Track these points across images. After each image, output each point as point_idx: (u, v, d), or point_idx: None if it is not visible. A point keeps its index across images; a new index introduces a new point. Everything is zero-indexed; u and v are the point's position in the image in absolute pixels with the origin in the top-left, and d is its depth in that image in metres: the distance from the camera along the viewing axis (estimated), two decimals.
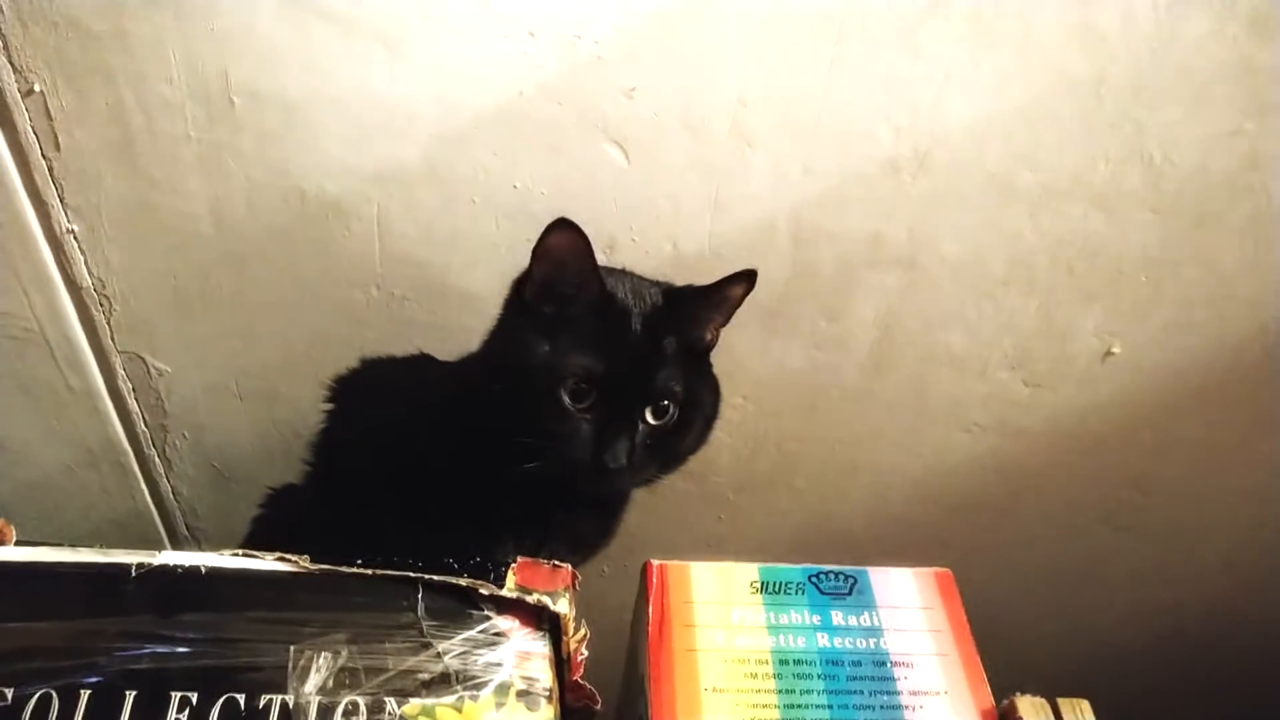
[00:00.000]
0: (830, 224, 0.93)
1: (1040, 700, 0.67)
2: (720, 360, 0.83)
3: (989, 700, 0.68)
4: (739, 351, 1.02)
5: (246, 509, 0.95)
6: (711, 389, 0.81)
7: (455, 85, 0.85)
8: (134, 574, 0.61)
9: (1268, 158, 0.88)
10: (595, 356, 0.72)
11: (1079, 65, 0.84)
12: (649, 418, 0.74)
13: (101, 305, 0.98)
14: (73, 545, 0.63)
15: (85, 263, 0.95)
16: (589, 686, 0.68)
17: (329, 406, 0.87)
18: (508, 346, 0.77)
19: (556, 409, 0.71)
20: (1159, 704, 1.26)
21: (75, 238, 0.93)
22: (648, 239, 0.94)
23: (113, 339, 1.01)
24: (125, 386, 1.06)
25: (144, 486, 1.16)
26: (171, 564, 0.62)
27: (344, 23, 0.82)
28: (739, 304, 0.78)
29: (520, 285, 0.77)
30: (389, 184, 0.90)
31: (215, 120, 0.86)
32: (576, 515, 0.81)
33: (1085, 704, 0.68)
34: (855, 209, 0.92)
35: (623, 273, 0.80)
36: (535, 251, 0.73)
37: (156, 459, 1.14)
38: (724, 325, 0.80)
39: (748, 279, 0.76)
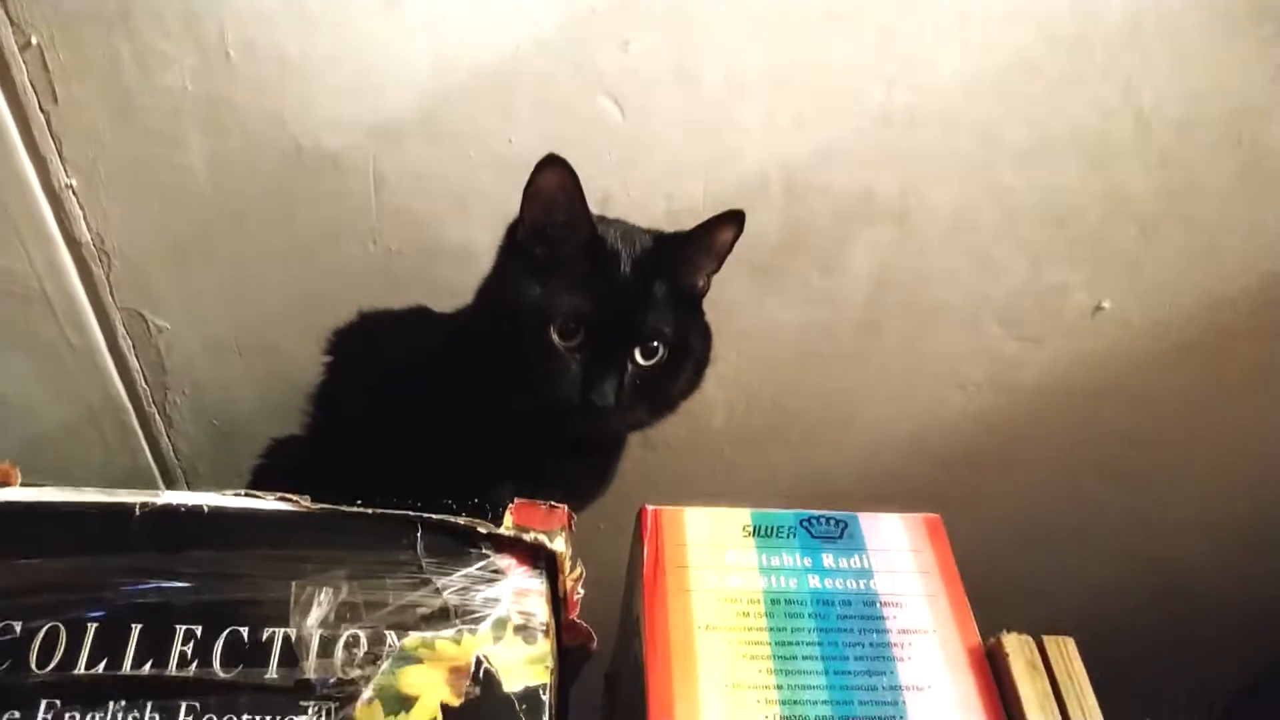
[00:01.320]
0: (822, 178, 0.94)
1: (1026, 638, 0.69)
2: (715, 315, 0.84)
3: (976, 638, 0.70)
4: (733, 307, 1.03)
5: (247, 465, 0.96)
6: (702, 335, 0.81)
7: (451, 40, 0.85)
8: (138, 513, 0.62)
9: (1254, 113, 0.89)
10: (584, 296, 0.73)
11: (1068, 19, 0.84)
12: (638, 358, 0.75)
13: (101, 261, 0.99)
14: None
15: (84, 218, 0.95)
16: (585, 625, 0.70)
17: (328, 359, 0.88)
18: (500, 289, 0.78)
19: (546, 347, 0.72)
20: (1142, 647, 1.28)
21: (74, 193, 0.93)
22: (643, 193, 0.95)
23: (112, 295, 1.02)
24: (125, 344, 1.07)
25: (145, 444, 1.17)
26: (174, 503, 0.63)
27: None
28: (728, 248, 0.79)
29: (513, 229, 0.78)
30: (385, 138, 0.91)
31: (212, 74, 0.86)
32: (573, 463, 0.82)
33: (1070, 641, 0.69)
34: (847, 163, 0.93)
35: (614, 221, 0.81)
36: (526, 191, 0.74)
37: (157, 416, 1.15)
38: (715, 272, 0.81)
39: (735, 220, 0.76)
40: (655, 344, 0.75)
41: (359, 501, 0.66)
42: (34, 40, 0.84)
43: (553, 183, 0.72)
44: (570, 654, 0.71)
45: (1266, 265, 1.01)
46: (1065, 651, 0.69)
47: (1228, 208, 0.96)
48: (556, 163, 0.71)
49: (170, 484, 1.22)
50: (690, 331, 0.79)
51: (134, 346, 1.07)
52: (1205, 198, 0.96)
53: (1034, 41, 0.86)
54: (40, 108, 0.88)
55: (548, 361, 0.72)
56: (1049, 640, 0.69)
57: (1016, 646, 0.68)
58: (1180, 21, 0.85)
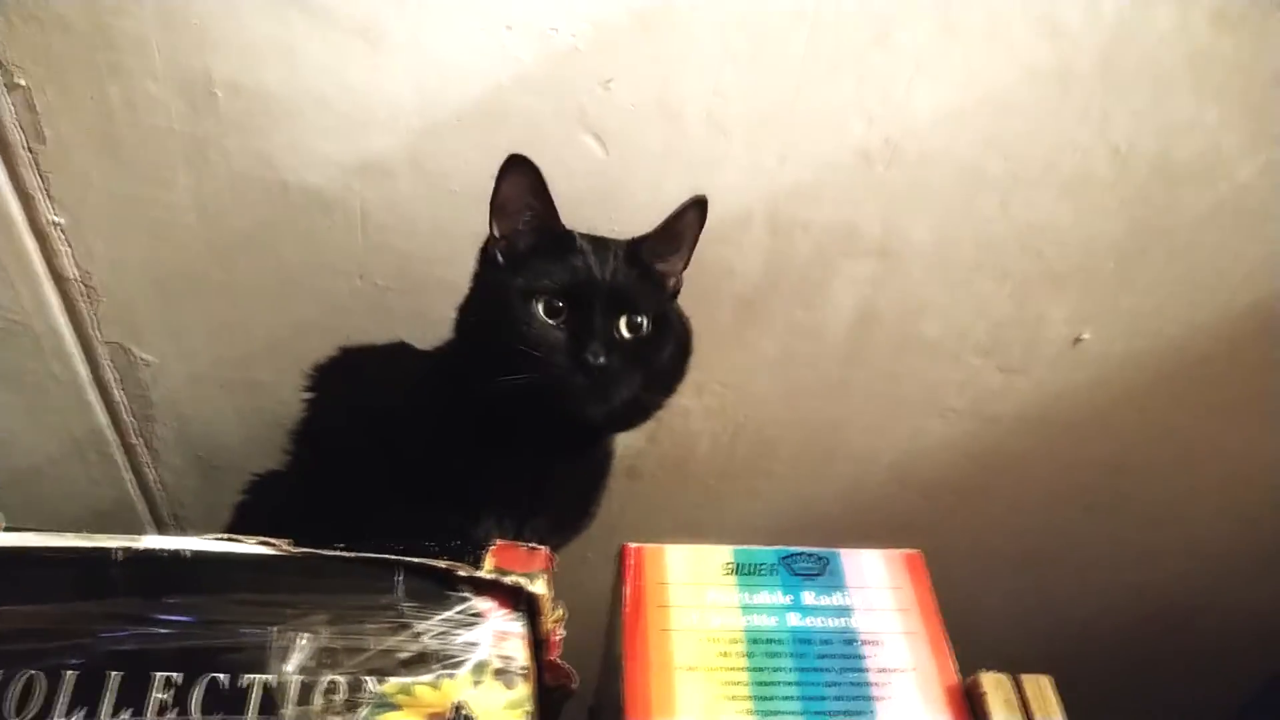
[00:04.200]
0: (805, 214, 0.95)
1: (1003, 676, 0.69)
2: (700, 347, 0.84)
3: (954, 676, 0.70)
4: (718, 339, 1.04)
5: (231, 497, 0.96)
6: (681, 320, 0.83)
7: (434, 78, 0.86)
8: (118, 558, 0.62)
9: (1230, 147, 0.90)
10: (566, 274, 0.75)
11: (1045, 57, 0.85)
12: (623, 329, 0.76)
13: (87, 296, 0.99)
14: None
15: (70, 254, 0.96)
16: (566, 666, 0.70)
17: (309, 395, 0.88)
18: (482, 295, 0.80)
19: (534, 327, 0.73)
20: (1122, 682, 1.28)
21: (60, 230, 0.93)
22: (627, 228, 0.94)
23: (98, 330, 1.02)
24: (111, 377, 1.07)
25: (130, 476, 1.17)
26: (155, 548, 0.63)
27: (324, 17, 0.83)
28: (696, 234, 0.81)
29: (485, 248, 0.80)
30: (371, 175, 0.92)
31: (198, 114, 0.87)
32: (558, 494, 0.83)
33: (1047, 680, 0.70)
34: (829, 199, 0.94)
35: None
36: (493, 203, 0.77)
37: (142, 448, 1.15)
38: (684, 266, 0.82)
39: (698, 205, 0.79)
40: (639, 317, 0.76)
41: (340, 544, 0.66)
42: (22, 81, 0.84)
43: (521, 183, 0.75)
44: (552, 694, 0.71)
45: (1243, 296, 1.02)
46: (1042, 690, 0.69)
47: (1204, 240, 0.97)
48: (520, 162, 0.74)
49: (155, 516, 1.22)
50: (669, 312, 0.80)
51: (119, 380, 1.07)
52: (1181, 231, 0.97)
53: (1012, 79, 0.87)
54: (27, 146, 0.88)
55: (538, 336, 0.73)
56: (1026, 679, 0.69)
57: (994, 685, 0.69)
58: (1155, 60, 0.86)
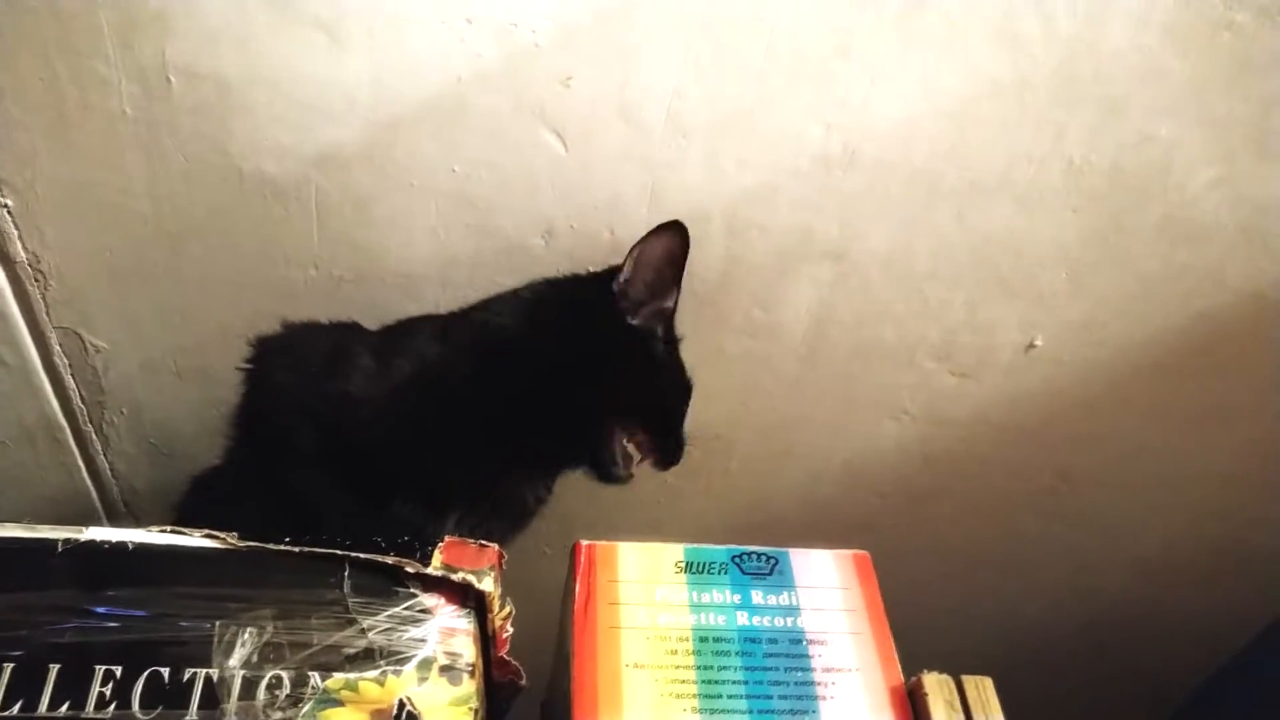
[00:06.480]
0: (763, 217, 0.96)
1: (945, 677, 0.70)
2: None
3: (898, 678, 0.71)
4: None
5: (184, 486, 0.96)
6: None
7: (393, 70, 0.85)
8: (59, 549, 0.62)
9: (1180, 162, 0.92)
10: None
11: (1003, 68, 0.86)
12: None
13: (36, 280, 0.97)
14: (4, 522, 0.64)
15: (19, 237, 0.94)
16: (514, 662, 0.70)
17: (249, 366, 0.86)
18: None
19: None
20: (1065, 684, 1.30)
21: (9, 212, 0.92)
22: (586, 226, 0.96)
23: (48, 314, 1.00)
24: (61, 363, 1.05)
25: (81, 463, 1.16)
26: (98, 540, 0.63)
27: (282, 4, 0.82)
28: None
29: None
30: (327, 166, 0.91)
31: (152, 98, 0.86)
32: (516, 483, 0.83)
33: (988, 681, 0.71)
34: (787, 203, 0.94)
35: None
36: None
37: (94, 436, 1.13)
38: None
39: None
40: None
41: (286, 535, 0.66)
42: None
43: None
44: (500, 690, 0.72)
45: (1191, 308, 1.04)
46: (983, 691, 0.70)
47: (1154, 251, 0.99)
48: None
49: (106, 504, 1.20)
50: None
51: (70, 366, 1.06)
52: (1132, 242, 0.98)
53: (969, 88, 0.88)
54: None
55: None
56: (967, 680, 0.70)
57: (936, 686, 0.69)
58: (1109, 74, 0.87)
